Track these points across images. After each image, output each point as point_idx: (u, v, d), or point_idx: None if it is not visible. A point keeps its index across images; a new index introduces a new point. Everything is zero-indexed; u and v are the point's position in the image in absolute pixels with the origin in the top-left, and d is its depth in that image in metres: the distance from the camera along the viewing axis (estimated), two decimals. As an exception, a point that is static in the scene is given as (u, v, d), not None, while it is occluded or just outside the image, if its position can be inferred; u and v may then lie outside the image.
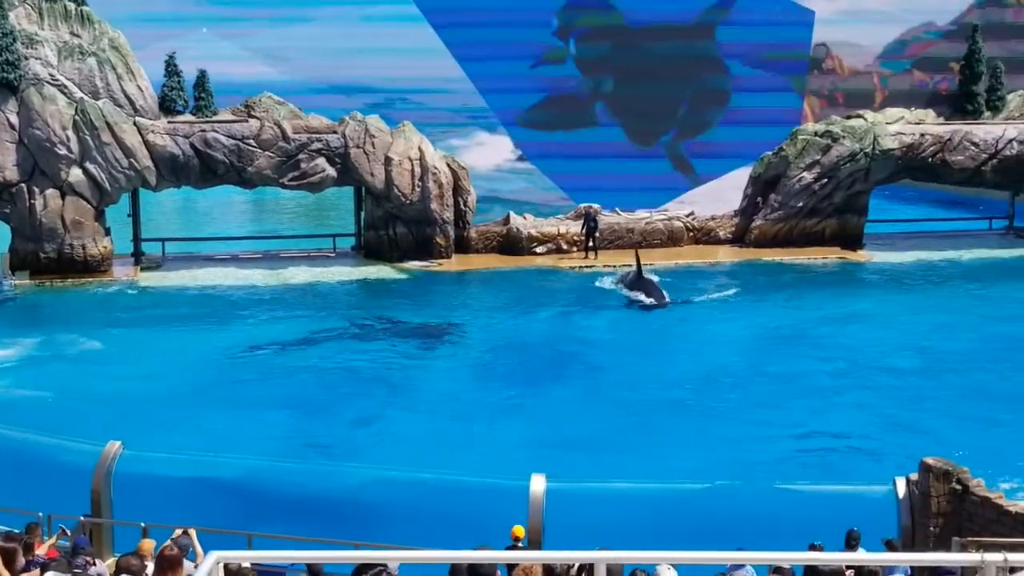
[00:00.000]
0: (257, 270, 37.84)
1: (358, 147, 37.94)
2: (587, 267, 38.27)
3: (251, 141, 37.39)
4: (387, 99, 40.50)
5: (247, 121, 37.67)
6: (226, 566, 11.11)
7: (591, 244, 39.38)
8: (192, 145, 37.12)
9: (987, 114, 42.55)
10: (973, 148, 41.00)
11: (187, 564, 10.74)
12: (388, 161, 37.87)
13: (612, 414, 23.69)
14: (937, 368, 26.93)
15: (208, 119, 37.78)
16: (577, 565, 9.55)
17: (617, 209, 41.23)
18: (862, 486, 17.23)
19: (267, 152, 37.51)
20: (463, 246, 39.59)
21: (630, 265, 36.22)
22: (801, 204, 40.46)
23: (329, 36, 40.28)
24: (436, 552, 7.01)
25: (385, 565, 7.52)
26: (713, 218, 41.92)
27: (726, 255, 40.15)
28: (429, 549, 7.84)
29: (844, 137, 40.21)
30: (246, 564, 11.97)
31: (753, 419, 23.29)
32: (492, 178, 41.76)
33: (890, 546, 14.20)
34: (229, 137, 37.32)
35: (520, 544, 13.12)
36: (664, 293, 33.33)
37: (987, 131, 41.34)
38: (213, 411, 23.74)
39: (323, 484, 17.70)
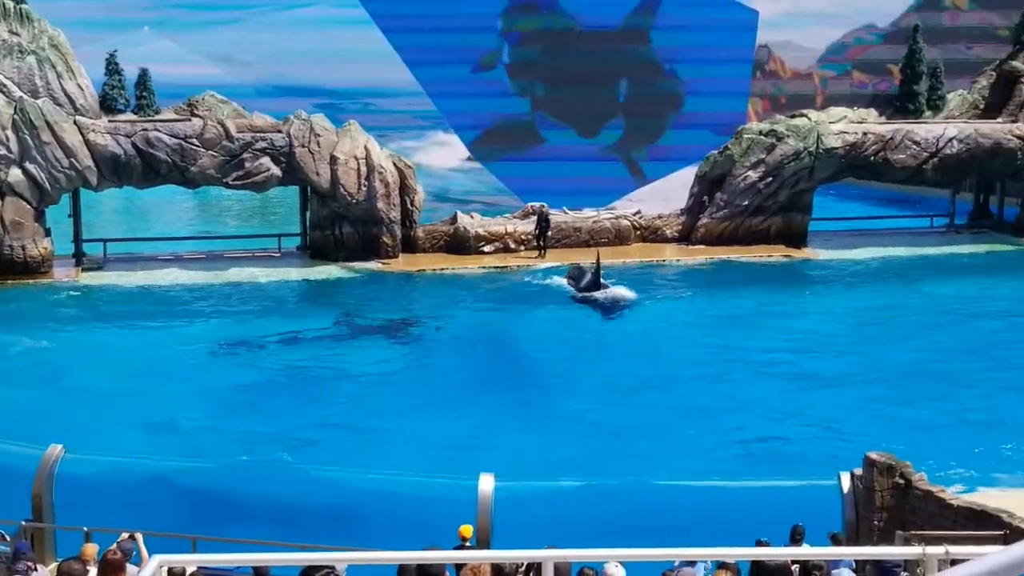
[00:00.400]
0: (201, 271, 37.45)
1: (303, 146, 37.69)
2: (535, 266, 38.31)
3: (194, 140, 37.01)
4: (336, 101, 40.31)
5: (190, 120, 37.29)
6: (171, 570, 10.96)
7: (542, 243, 39.46)
8: (134, 144, 36.66)
9: (928, 113, 43.16)
10: (914, 147, 41.56)
11: (132, 568, 10.60)
12: (334, 160, 37.65)
13: (561, 413, 23.70)
14: (881, 363, 27.24)
15: (150, 118, 37.35)
16: (525, 564, 9.53)
17: (565, 208, 41.33)
18: (807, 481, 17.39)
19: (210, 151, 37.15)
20: (410, 246, 39.46)
21: (576, 263, 36.31)
22: (746, 202, 40.79)
23: (275, 39, 40.03)
24: (384, 553, 6.96)
25: (332, 567, 7.45)
26: (660, 217, 42.14)
27: (673, 253, 40.36)
28: (377, 550, 7.78)
29: (788, 136, 40.58)
30: (191, 568, 11.82)
31: (701, 416, 23.41)
32: (447, 178, 41.80)
33: (835, 540, 14.32)
34: (172, 136, 36.91)
35: (468, 544, 13.07)
36: (617, 295, 33.40)
37: (928, 130, 41.92)
38: (157, 413, 23.44)
39: (270, 486, 17.55)
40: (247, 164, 37.47)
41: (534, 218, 40.59)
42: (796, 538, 13.55)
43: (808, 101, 43.71)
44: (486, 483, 16.44)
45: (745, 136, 41.12)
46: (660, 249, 40.89)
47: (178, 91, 38.11)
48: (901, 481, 15.95)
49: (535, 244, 39.59)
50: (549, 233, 39.63)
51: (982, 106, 43.65)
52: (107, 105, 37.55)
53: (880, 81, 44.41)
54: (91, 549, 11.73)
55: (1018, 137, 41.68)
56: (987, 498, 16.10)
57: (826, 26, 44.14)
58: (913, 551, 5.83)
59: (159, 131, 36.89)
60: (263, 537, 14.41)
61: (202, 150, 37.07)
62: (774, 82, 44.25)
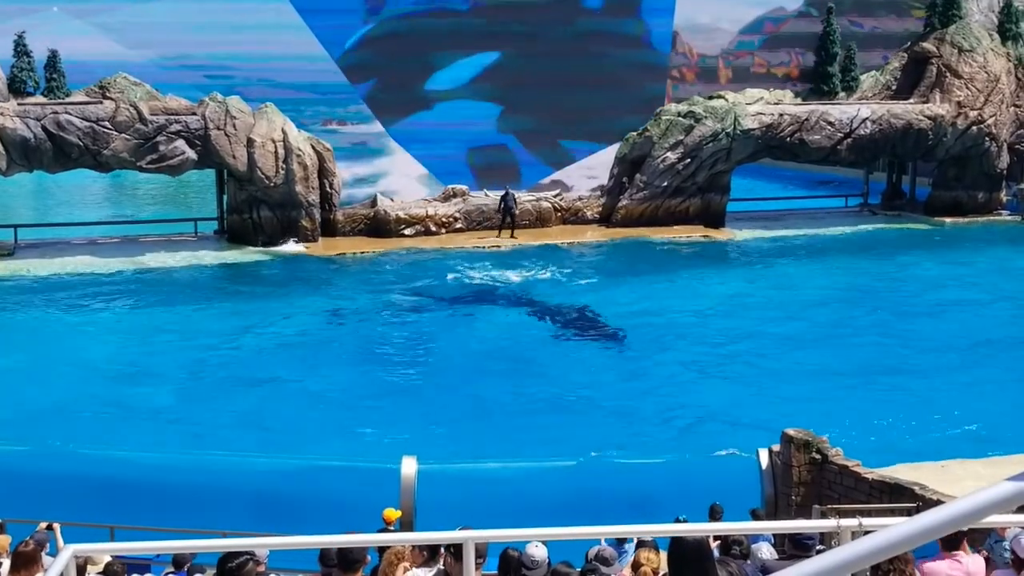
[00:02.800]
0: (115, 256, 36.79)
1: (219, 128, 37.15)
2: (456, 247, 38.31)
3: (106, 123, 36.28)
4: (253, 80, 39.37)
5: (101, 102, 36.53)
6: (82, 563, 10.76)
7: (511, 224, 39.73)
8: (44, 128, 35.82)
9: (842, 94, 43.84)
10: (829, 128, 42.20)
11: (47, 560, 10.38)
12: (250, 143, 37.16)
13: (481, 396, 23.69)
14: (797, 340, 27.63)
15: (60, 101, 36.52)
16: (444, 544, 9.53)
17: (486, 191, 41.30)
18: (728, 457, 17.64)
19: (123, 134, 36.46)
20: (330, 229, 39.15)
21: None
22: (666, 184, 41.12)
23: (194, 19, 38.95)
24: (304, 538, 6.91)
25: (252, 553, 7.37)
26: (580, 198, 42.32)
27: (594, 235, 40.55)
28: (298, 535, 7.72)
29: (706, 117, 40.95)
30: (108, 558, 11.64)
31: (621, 395, 23.57)
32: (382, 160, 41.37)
33: (755, 516, 14.55)
34: (83, 119, 36.14)
35: (392, 527, 13.04)
36: None
37: (842, 111, 42.59)
38: (71, 401, 22.99)
39: (190, 473, 17.36)
40: (161, 147, 36.83)
41: (455, 200, 40.64)
42: (714, 518, 13.75)
43: (713, 82, 43.75)
44: (408, 466, 16.45)
45: (664, 117, 41.42)
46: (581, 231, 41.08)
47: (90, 73, 37.22)
48: (818, 456, 16.26)
49: (501, 226, 39.75)
50: (517, 212, 39.79)
51: (894, 87, 44.46)
52: (16, 88, 36.61)
53: (781, 64, 44.58)
54: (3, 541, 11.48)
55: (929, 118, 42.56)
56: (901, 472, 16.46)
57: (742, 6, 44.28)
58: (828, 524, 5.95)
59: (70, 114, 36.09)
60: (184, 525, 14.25)
61: (115, 133, 36.37)
62: (683, 65, 44.21)
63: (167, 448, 19.77)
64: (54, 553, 11.06)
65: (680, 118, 41.17)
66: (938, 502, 13.86)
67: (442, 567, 8.61)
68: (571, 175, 42.43)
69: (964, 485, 16.39)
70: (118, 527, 13.93)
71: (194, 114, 37.14)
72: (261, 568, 8.99)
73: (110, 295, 32.51)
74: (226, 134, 37.19)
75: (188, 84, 38.23)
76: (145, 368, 25.71)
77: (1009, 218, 43.96)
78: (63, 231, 39.91)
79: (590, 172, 42.31)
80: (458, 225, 40.36)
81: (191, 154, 37.13)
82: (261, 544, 9.11)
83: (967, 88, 42.98)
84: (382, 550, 9.10)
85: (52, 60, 36.86)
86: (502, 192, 40.18)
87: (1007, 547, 10.43)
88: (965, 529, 7.67)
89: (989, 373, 24.58)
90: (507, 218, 39.87)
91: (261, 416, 22.52)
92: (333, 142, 39.30)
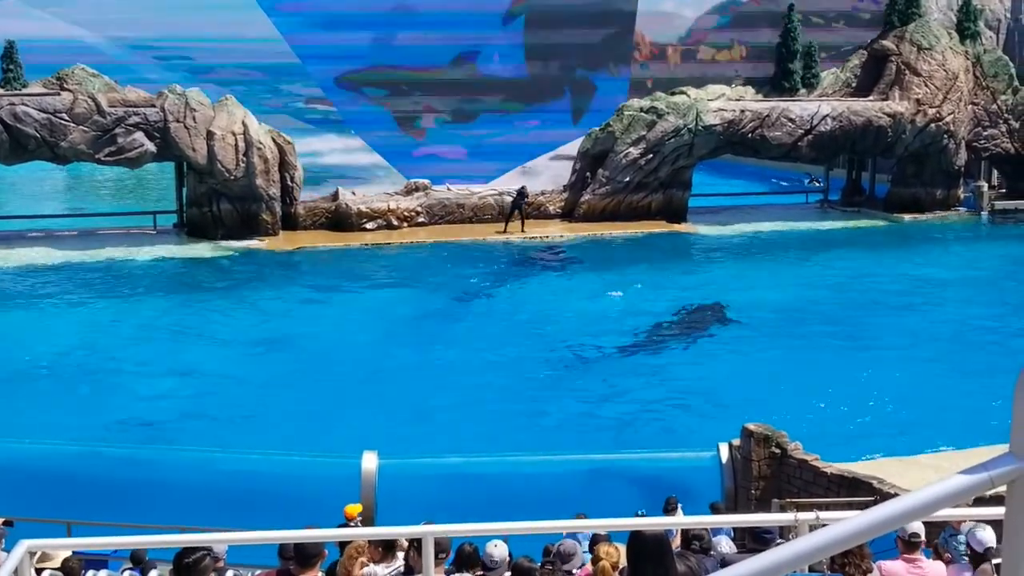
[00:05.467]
0: (73, 249, 36.41)
1: (178, 121, 36.82)
2: (416, 242, 38.20)
3: (64, 115, 35.88)
4: (226, 76, 38.98)
5: (59, 94, 36.12)
6: (43, 555, 10.64)
7: (521, 217, 39.79)
8: (0, 119, 35.38)
9: (803, 91, 44.09)
10: (790, 124, 42.43)
11: (3, 555, 10.26)
12: (210, 135, 36.86)
13: (446, 391, 23.66)
14: (755, 334, 27.79)
15: (17, 92, 36.07)
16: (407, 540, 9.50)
17: (448, 185, 41.20)
18: (688, 452, 17.72)
19: (81, 126, 36.06)
20: (290, 223, 38.92)
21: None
22: (628, 179, 41.21)
23: (157, 9, 38.52)
24: (262, 533, 6.84)
25: (210, 548, 7.31)
26: (543, 193, 42.31)
27: (556, 229, 40.60)
28: (257, 530, 7.65)
29: (668, 113, 41.07)
30: (65, 554, 11.51)
31: (581, 389, 23.62)
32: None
33: (715, 510, 14.61)
34: (40, 111, 35.71)
35: (353, 523, 12.97)
36: None
37: (803, 108, 42.83)
38: (28, 396, 22.75)
39: (148, 468, 17.23)
40: (120, 139, 36.47)
41: (417, 194, 40.57)
42: (669, 511, 13.76)
43: (665, 81, 43.80)
44: (369, 461, 16.41)
45: (626, 113, 41.51)
46: (543, 225, 41.08)
47: (50, 65, 36.75)
48: (777, 451, 16.37)
49: (507, 218, 39.87)
50: (524, 207, 39.86)
51: (854, 84, 44.78)
52: (-29, 78, 36.18)
53: (731, 61, 44.57)
54: (-42, 538, 11.32)
55: (888, 115, 42.89)
56: (860, 466, 16.60)
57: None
58: (786, 517, 6.00)
59: (27, 105, 35.66)
60: (142, 521, 14.13)
61: (72, 125, 35.96)
62: (636, 57, 44.15)
63: (124, 443, 19.59)
64: (8, 550, 10.93)
65: (642, 113, 41.28)
66: (896, 496, 13.97)
67: (403, 562, 8.59)
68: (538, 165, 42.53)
69: (922, 479, 16.56)
70: (75, 523, 13.79)
71: (153, 106, 36.79)
72: (219, 563, 8.92)
73: (65, 289, 32.18)
74: (185, 126, 36.87)
75: (153, 69, 37.89)
76: (98, 362, 25.48)
77: (967, 215, 44.42)
78: (19, 224, 39.42)
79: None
80: (420, 219, 40.25)
81: (150, 147, 36.80)
82: (219, 539, 9.03)
83: (926, 86, 43.36)
84: (343, 546, 9.07)
85: (8, 51, 36.42)
86: (517, 189, 40.41)
87: (962, 540, 10.51)
88: (924, 537, 7.76)
89: (945, 368, 24.83)
90: (514, 211, 39.92)
91: (220, 411, 22.38)
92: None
